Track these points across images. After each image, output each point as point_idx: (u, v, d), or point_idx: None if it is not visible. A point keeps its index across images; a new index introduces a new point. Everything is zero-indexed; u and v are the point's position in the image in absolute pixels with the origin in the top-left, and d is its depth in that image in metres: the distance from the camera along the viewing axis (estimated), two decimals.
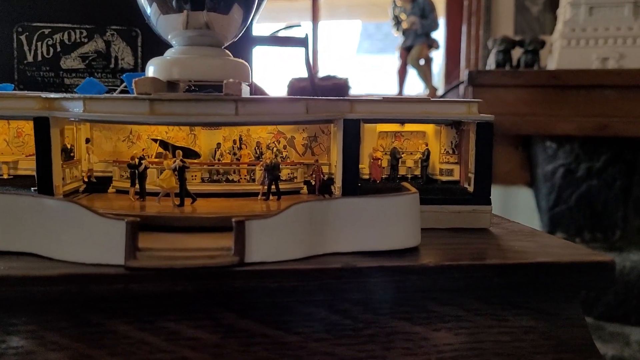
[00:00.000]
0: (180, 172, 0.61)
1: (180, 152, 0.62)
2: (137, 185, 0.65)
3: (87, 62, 0.94)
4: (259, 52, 1.17)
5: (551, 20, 2.17)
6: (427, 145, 0.77)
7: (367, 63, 4.75)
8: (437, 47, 2.73)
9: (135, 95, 0.55)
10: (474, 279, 0.51)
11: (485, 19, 2.24)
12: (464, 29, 2.54)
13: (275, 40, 1.22)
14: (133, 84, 0.55)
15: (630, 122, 1.70)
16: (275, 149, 0.73)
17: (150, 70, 0.64)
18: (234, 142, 0.74)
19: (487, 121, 0.65)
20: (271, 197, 0.68)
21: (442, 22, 2.82)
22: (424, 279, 0.50)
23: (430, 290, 0.50)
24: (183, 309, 0.47)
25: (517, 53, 1.99)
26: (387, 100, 0.65)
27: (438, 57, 2.70)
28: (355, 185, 0.64)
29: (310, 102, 0.59)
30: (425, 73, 2.73)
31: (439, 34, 2.79)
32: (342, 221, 0.52)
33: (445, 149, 0.76)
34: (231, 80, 0.55)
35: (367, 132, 0.74)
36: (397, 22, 2.86)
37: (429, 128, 0.78)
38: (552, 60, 1.89)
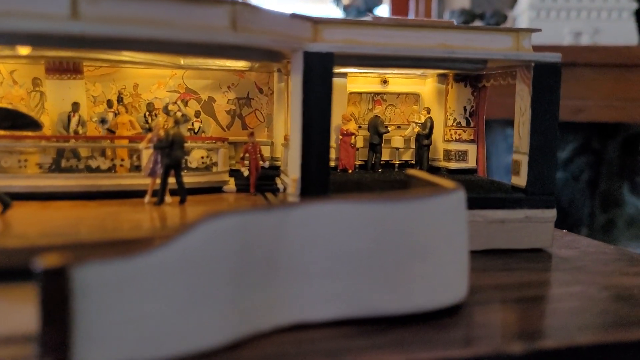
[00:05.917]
0: None
1: None
2: None
3: None
4: None
5: None
6: (429, 112, 0.48)
7: None
8: None
9: None
10: None
11: None
12: (411, 4, 2.28)
13: None
14: None
15: (606, 106, 1.50)
16: (179, 113, 0.42)
17: None
18: (109, 103, 0.43)
19: (550, 62, 0.38)
20: (170, 198, 0.38)
21: None
22: None
23: None
24: None
25: None
26: (380, 22, 0.36)
27: None
28: (325, 177, 0.35)
29: (241, 10, 0.29)
30: None
31: (383, 10, 2.53)
32: (314, 255, 0.23)
33: (455, 120, 0.48)
34: None
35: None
36: None
37: (425, 88, 0.50)
38: None
